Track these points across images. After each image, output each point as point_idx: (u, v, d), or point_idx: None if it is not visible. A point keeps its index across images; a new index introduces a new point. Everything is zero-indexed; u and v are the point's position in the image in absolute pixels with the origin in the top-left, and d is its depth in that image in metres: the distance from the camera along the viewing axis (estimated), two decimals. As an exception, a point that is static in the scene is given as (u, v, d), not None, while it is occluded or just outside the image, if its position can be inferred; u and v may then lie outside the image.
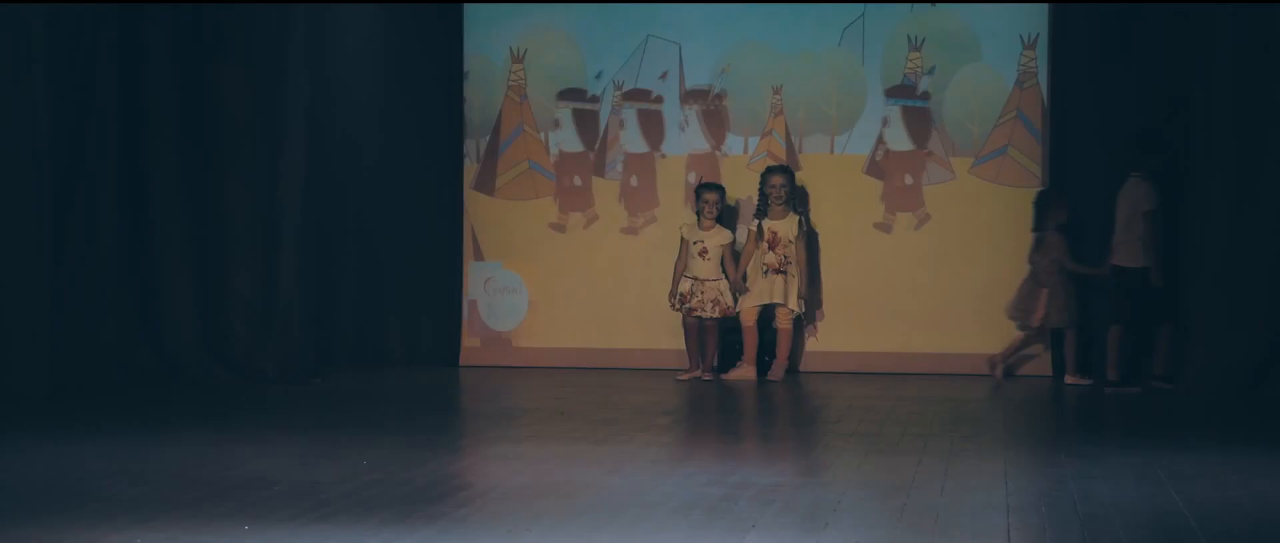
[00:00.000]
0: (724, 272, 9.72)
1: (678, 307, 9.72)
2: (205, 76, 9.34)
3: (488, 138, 10.69)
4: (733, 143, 10.39)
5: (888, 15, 10.23)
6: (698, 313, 9.66)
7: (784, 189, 9.62)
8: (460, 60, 10.69)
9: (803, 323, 10.05)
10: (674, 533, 4.67)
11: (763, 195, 9.69)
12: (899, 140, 10.24)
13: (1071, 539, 4.64)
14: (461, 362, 10.65)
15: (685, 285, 9.71)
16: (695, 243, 9.68)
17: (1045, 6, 10.07)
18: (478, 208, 10.69)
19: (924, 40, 10.17)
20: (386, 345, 10.71)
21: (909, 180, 10.21)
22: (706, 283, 9.65)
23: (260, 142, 9.32)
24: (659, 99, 10.48)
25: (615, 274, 10.47)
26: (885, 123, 10.24)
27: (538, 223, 10.64)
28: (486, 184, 10.69)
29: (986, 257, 10.12)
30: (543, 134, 10.63)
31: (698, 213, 9.78)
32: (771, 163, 9.98)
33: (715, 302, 9.65)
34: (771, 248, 9.59)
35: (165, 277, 9.29)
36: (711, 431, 7.58)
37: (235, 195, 9.35)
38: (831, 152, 10.30)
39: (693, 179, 10.28)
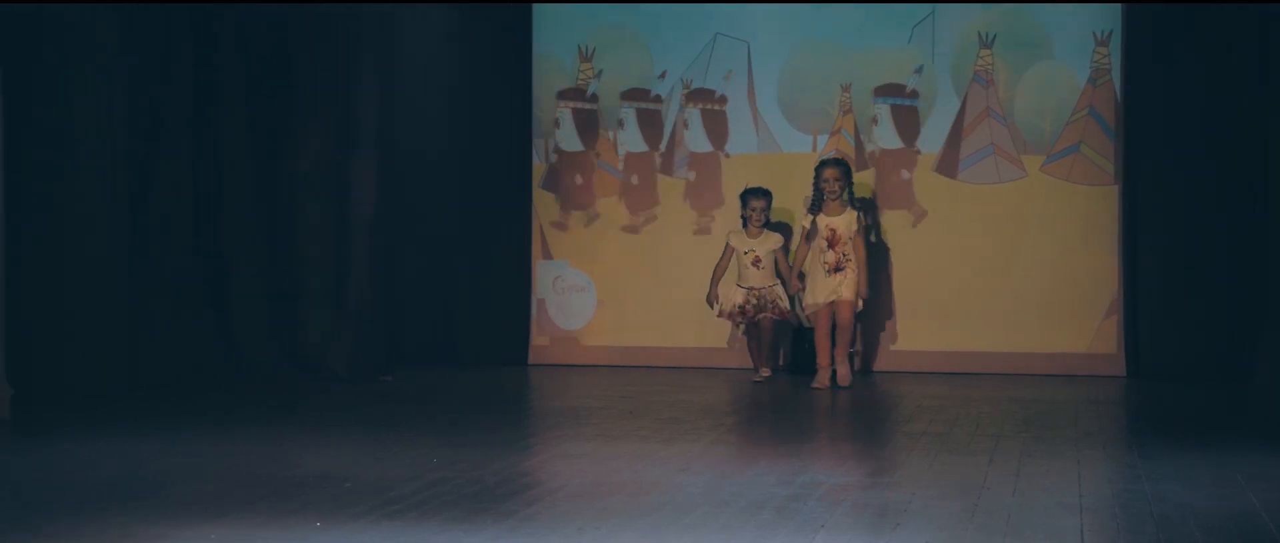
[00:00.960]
0: (780, 276, 9.48)
1: (737, 318, 9.56)
2: (277, 78, 9.42)
3: (556, 137, 10.71)
4: (800, 141, 10.34)
5: (958, 13, 10.16)
6: (760, 318, 9.47)
7: (839, 183, 9.16)
8: (529, 59, 10.71)
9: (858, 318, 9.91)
10: (742, 533, 4.66)
11: (817, 190, 9.24)
12: (888, 139, 10.22)
13: (1146, 541, 4.58)
14: (530, 360, 10.68)
15: (739, 296, 9.45)
16: (746, 252, 9.43)
17: (1118, 3, 9.96)
18: (546, 207, 10.72)
19: (995, 37, 10.09)
20: (455, 344, 10.74)
21: (904, 176, 10.15)
22: (763, 291, 9.43)
23: (332, 141, 9.39)
24: (723, 99, 10.48)
25: (683, 273, 10.45)
26: (874, 121, 10.22)
27: (606, 222, 10.64)
28: (555, 183, 10.71)
29: (1058, 255, 10.02)
30: (610, 133, 10.64)
31: (744, 220, 9.58)
32: (826, 156, 9.76)
33: (773, 305, 9.42)
34: (831, 246, 9.09)
35: (238, 276, 9.38)
36: (780, 430, 7.54)
37: (307, 194, 9.43)
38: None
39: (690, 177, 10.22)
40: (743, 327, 9.64)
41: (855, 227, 9.12)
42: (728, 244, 9.51)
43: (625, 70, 10.63)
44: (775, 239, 9.46)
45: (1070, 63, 10.03)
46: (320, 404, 8.22)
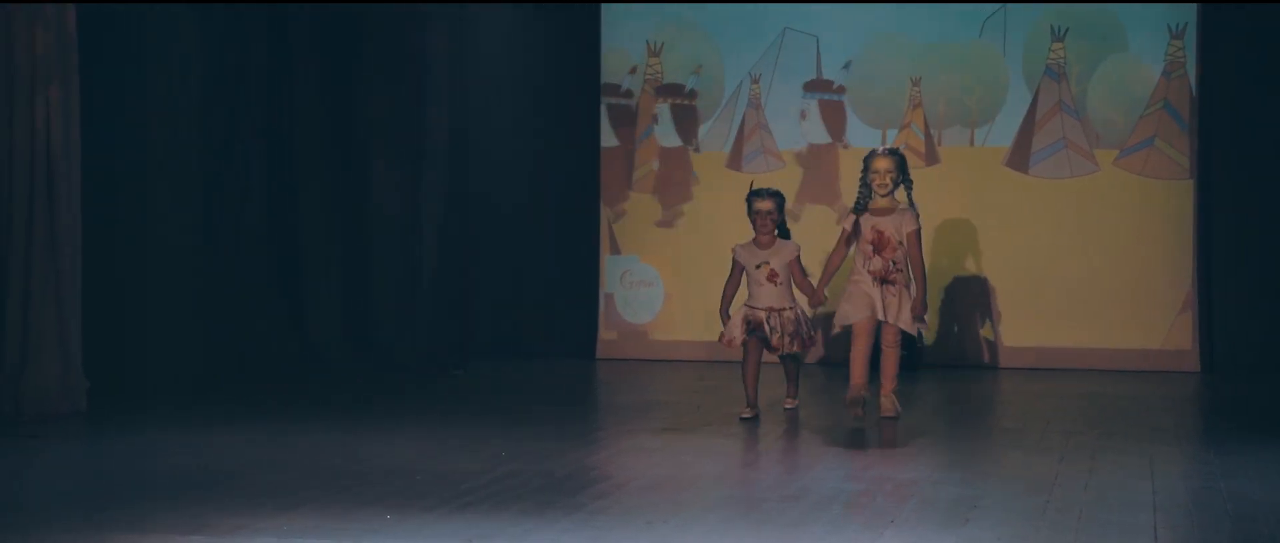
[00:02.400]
0: (798, 291, 7.49)
1: (740, 340, 7.39)
2: (350, 72, 9.49)
3: (625, 131, 10.72)
4: (868, 136, 10.29)
5: (1030, 5, 10.07)
6: (780, 349, 7.38)
7: (892, 176, 7.26)
8: (597, 54, 10.73)
9: (917, 342, 9.51)
10: (812, 527, 4.64)
11: (864, 185, 7.33)
12: (817, 134, 10.34)
13: (1221, 539, 4.53)
14: (598, 354, 10.70)
15: (758, 316, 7.38)
16: (758, 266, 7.39)
17: (1193, -3, 9.85)
18: (613, 201, 10.73)
19: (1067, 30, 9.99)
20: (524, 337, 10.78)
21: (826, 173, 10.24)
22: (783, 313, 7.35)
23: (403, 136, 9.46)
24: (688, 93, 10.46)
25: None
26: (803, 116, 10.32)
27: (674, 216, 10.64)
28: (623, 178, 10.72)
29: (1131, 250, 9.91)
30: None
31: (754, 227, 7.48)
32: (877, 147, 7.72)
33: (794, 334, 7.35)
34: (877, 251, 7.21)
35: (310, 269, 9.46)
36: (849, 425, 7.51)
37: (379, 189, 9.50)
38: (971, 144, 10.16)
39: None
40: (747, 343, 7.38)
41: (909, 228, 7.24)
42: (734, 259, 7.54)
43: (693, 65, 10.61)
44: (791, 248, 7.42)
45: (1144, 56, 9.92)
46: (391, 397, 8.27)
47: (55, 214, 7.20)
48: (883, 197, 7.28)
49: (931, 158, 10.09)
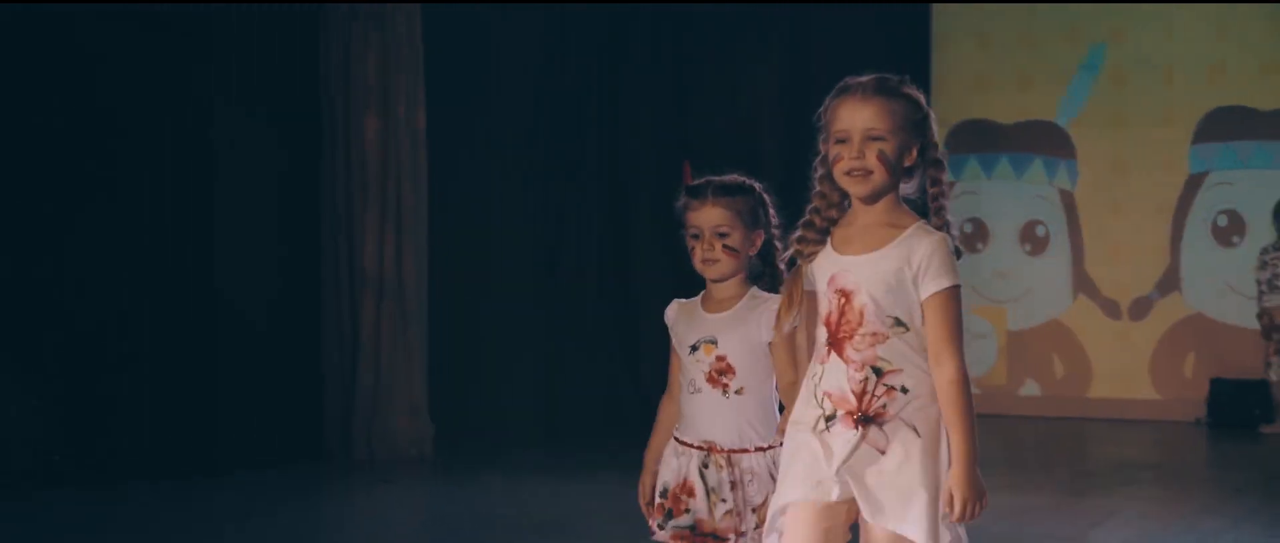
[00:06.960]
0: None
1: (658, 522, 3.67)
2: (678, 114, 9.54)
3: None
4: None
5: None
6: (719, 536, 3.53)
7: (879, 149, 3.06)
8: (927, 55, 10.26)
9: (1271, 389, 8.77)
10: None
11: (823, 173, 3.19)
12: None
13: None
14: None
15: (668, 471, 3.71)
16: (693, 349, 3.70)
17: None
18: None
19: None
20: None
21: None
22: (737, 459, 3.59)
23: (736, 168, 9.48)
24: None
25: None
26: None
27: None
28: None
29: None
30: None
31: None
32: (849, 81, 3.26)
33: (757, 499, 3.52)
34: (834, 342, 3.00)
35: (644, 320, 9.58)
36: (1200, 486, 7.14)
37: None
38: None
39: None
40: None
41: (932, 288, 2.94)
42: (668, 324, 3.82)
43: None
44: (761, 309, 3.63)
45: None
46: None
47: (403, 265, 7.49)
48: (867, 200, 3.08)
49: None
